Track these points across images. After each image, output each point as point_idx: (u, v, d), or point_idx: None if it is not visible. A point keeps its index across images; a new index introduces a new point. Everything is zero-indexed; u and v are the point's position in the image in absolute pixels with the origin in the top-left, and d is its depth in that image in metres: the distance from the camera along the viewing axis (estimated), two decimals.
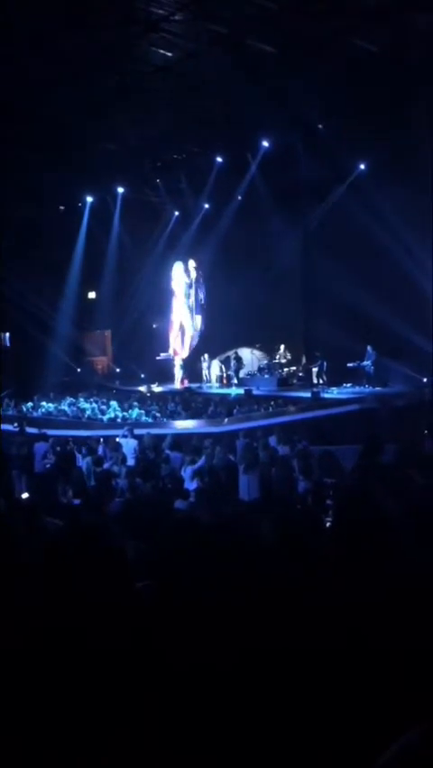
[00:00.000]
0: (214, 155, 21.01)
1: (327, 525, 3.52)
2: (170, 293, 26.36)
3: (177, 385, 23.15)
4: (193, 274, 25.64)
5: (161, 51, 15.08)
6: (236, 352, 22.35)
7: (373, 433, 11.02)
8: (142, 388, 22.43)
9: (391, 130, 16.61)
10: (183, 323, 26.04)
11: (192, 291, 25.81)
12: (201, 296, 25.64)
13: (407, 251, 16.81)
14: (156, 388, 22.44)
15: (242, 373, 21.92)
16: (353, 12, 13.03)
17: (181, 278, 25.99)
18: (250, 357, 22.66)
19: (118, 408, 18.37)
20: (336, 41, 14.02)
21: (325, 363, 19.91)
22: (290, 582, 1.93)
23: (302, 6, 12.83)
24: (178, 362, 23.92)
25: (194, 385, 22.68)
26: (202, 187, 22.33)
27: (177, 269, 25.96)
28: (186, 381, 23.25)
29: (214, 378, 23.01)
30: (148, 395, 20.93)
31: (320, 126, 18.16)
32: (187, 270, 25.77)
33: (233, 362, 22.11)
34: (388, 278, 17.29)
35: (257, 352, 22.54)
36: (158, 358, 26.25)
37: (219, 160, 21.03)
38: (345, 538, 2.06)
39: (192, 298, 25.85)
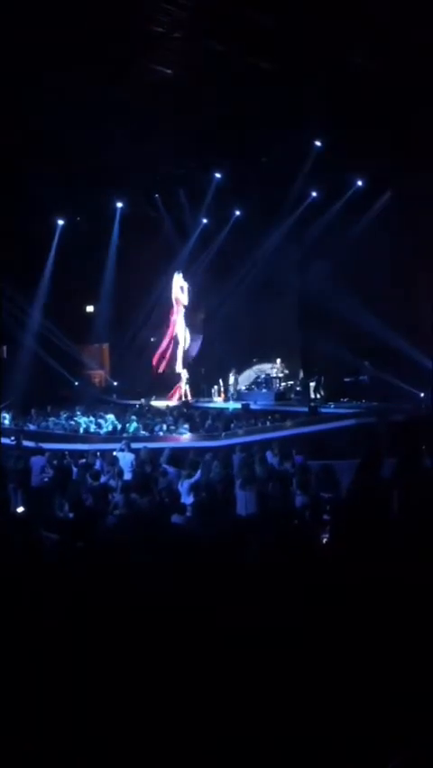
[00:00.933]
0: (212, 171, 21.14)
1: (324, 539, 3.52)
2: (168, 305, 26.36)
3: (180, 399, 22.86)
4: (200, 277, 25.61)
5: (161, 68, 15.21)
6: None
7: (371, 448, 11.01)
8: (156, 402, 22.25)
9: (389, 147, 16.73)
10: (180, 335, 25.96)
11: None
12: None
13: (403, 267, 16.90)
14: (158, 402, 22.23)
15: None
16: (350, 29, 13.15)
17: (183, 286, 25.94)
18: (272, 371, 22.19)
19: (116, 421, 18.33)
20: (334, 59, 14.14)
21: (322, 378, 19.93)
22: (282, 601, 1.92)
23: (300, 24, 12.95)
24: (184, 376, 23.46)
25: (191, 399, 22.66)
26: (201, 203, 22.44)
27: (177, 280, 25.94)
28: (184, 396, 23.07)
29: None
30: (164, 408, 20.72)
31: (318, 143, 18.31)
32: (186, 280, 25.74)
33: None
34: (385, 294, 17.38)
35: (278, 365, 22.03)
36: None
37: (218, 175, 21.17)
38: (343, 552, 2.05)
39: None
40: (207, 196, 21.92)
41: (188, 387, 23.13)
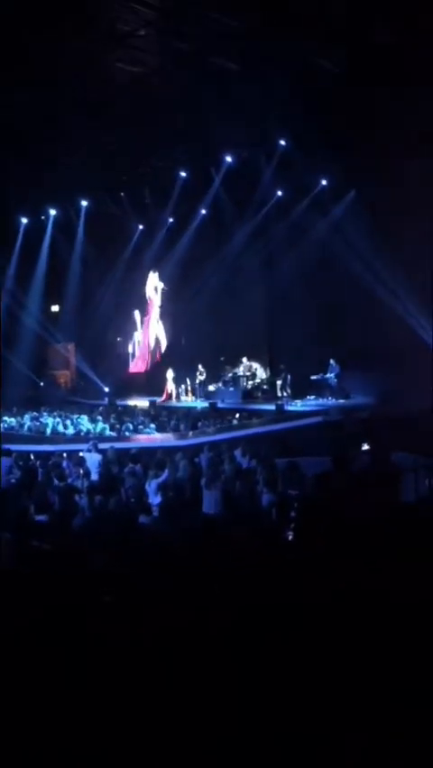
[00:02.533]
0: (178, 170, 21.13)
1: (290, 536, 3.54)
2: (135, 304, 26.29)
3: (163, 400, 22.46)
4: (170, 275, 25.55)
5: (126, 67, 15.13)
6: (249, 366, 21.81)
7: (340, 444, 11.13)
8: (136, 403, 21.93)
9: (352, 148, 16.90)
10: (158, 334, 25.92)
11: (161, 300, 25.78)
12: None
13: (368, 265, 17.07)
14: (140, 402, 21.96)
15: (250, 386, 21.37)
16: (315, 31, 13.24)
17: (156, 285, 25.88)
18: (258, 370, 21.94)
19: (86, 423, 18.20)
20: (299, 60, 14.22)
21: (289, 376, 20.04)
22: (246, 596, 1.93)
23: (265, 25, 13.00)
24: (170, 376, 22.98)
25: (158, 398, 22.59)
26: (166, 202, 22.41)
27: (151, 279, 25.87)
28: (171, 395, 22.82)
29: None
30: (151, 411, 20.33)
31: (282, 142, 18.41)
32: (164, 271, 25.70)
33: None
34: (350, 292, 17.54)
35: (255, 364, 21.77)
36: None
37: (183, 174, 21.16)
38: (306, 548, 2.07)
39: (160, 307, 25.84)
40: (172, 195, 21.90)
41: (174, 386, 22.79)
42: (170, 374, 22.79)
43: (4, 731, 1.59)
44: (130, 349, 26.55)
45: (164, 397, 22.52)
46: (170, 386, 22.76)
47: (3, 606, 1.77)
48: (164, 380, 23.41)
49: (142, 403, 21.93)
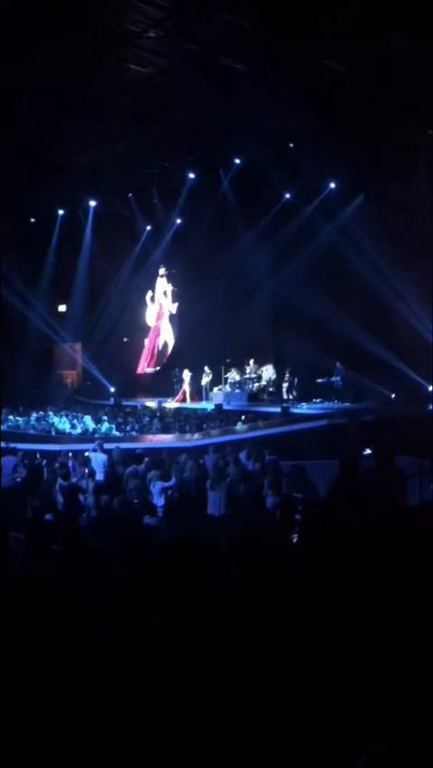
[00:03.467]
0: (186, 171, 21.15)
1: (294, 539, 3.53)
2: (145, 304, 26.37)
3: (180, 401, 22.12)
4: (177, 277, 25.59)
5: (134, 67, 15.17)
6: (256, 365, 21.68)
7: (350, 448, 11.10)
8: (151, 404, 21.59)
9: (363, 150, 16.90)
10: (166, 337, 25.96)
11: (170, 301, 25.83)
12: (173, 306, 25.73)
13: (375, 268, 17.05)
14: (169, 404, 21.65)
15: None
16: (324, 32, 13.25)
17: (166, 290, 25.94)
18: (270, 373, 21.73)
19: (92, 423, 18.24)
20: (307, 61, 14.23)
21: (295, 379, 20.03)
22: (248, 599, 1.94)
23: (274, 26, 13.01)
24: (187, 377, 22.52)
25: (165, 399, 22.61)
26: (174, 203, 22.43)
27: (160, 283, 25.95)
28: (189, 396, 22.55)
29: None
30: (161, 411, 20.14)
31: (291, 145, 18.41)
32: (171, 272, 25.73)
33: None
34: (356, 295, 17.54)
35: (268, 367, 21.56)
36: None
37: (191, 175, 21.19)
38: (311, 553, 2.08)
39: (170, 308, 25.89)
40: (180, 197, 21.93)
41: (189, 388, 22.40)
42: (186, 375, 22.44)
43: (9, 732, 1.60)
44: (145, 350, 26.50)
45: (179, 397, 22.25)
46: (187, 387, 22.40)
47: (16, 607, 1.79)
48: (168, 381, 23.50)
49: (154, 404, 21.74)
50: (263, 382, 21.29)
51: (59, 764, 1.56)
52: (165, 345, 25.95)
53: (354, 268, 17.16)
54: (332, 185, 19.31)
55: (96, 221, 24.13)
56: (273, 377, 21.29)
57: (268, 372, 21.46)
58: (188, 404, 21.61)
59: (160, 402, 21.90)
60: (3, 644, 1.73)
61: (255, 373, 21.40)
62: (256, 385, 21.17)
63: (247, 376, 21.34)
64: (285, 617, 1.80)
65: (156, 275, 25.88)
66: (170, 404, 21.72)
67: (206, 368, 22.22)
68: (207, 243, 22.28)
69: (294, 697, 1.61)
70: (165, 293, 25.89)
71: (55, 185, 21.30)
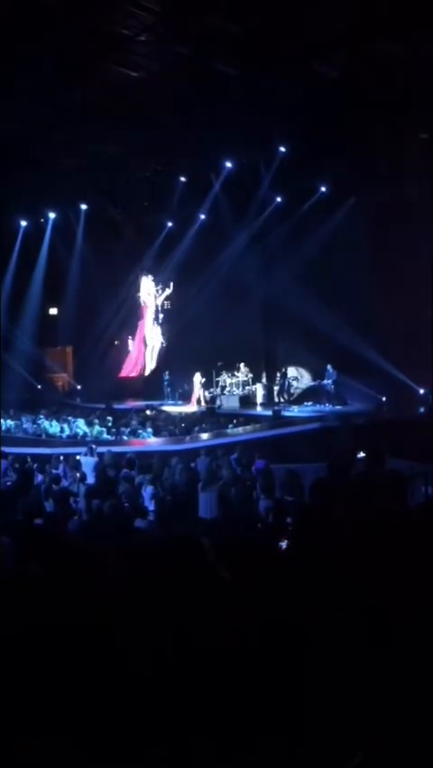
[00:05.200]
0: (177, 174, 21.16)
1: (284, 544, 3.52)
2: (133, 308, 26.32)
3: (194, 405, 21.68)
4: (168, 280, 25.56)
5: (125, 71, 15.16)
6: (296, 369, 21.35)
7: (338, 450, 11.12)
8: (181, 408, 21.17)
9: (353, 153, 16.95)
10: (154, 339, 25.92)
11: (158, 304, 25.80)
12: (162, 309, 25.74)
13: (366, 271, 17.11)
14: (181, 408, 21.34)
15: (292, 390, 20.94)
16: (314, 37, 13.29)
17: (150, 289, 25.91)
18: (296, 373, 21.34)
19: (84, 426, 18.17)
20: (298, 65, 14.26)
21: (286, 382, 20.04)
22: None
23: (265, 30, 13.04)
24: (198, 380, 22.02)
25: (155, 402, 22.58)
26: (165, 206, 22.44)
27: (144, 283, 25.92)
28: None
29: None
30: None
31: (282, 148, 18.45)
32: (155, 282, 25.68)
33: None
34: (347, 297, 17.57)
35: (302, 370, 21.27)
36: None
37: (182, 179, 21.20)
38: (301, 555, 2.07)
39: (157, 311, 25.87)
40: (171, 200, 21.93)
41: (203, 391, 21.98)
42: (197, 378, 22.01)
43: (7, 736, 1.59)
44: (132, 353, 26.45)
45: (192, 401, 21.84)
46: (198, 390, 21.98)
47: (3, 613, 1.77)
48: (159, 384, 23.47)
49: (171, 409, 21.32)
50: (254, 386, 21.22)
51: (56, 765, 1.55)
52: (153, 348, 25.91)
53: (345, 270, 17.21)
54: (323, 188, 19.37)
55: (87, 224, 24.09)
56: (263, 381, 21.29)
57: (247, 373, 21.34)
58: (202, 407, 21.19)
59: (148, 405, 21.83)
60: None
61: (246, 376, 21.40)
62: (247, 389, 21.16)
63: (238, 379, 21.33)
64: (279, 618, 1.79)
65: (147, 272, 25.88)
66: (185, 408, 21.36)
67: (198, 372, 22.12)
68: (197, 246, 22.30)
69: (291, 697, 1.60)
70: (149, 293, 25.89)
71: (46, 188, 21.26)
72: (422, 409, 16.03)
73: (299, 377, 20.92)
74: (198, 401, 21.58)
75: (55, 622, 1.79)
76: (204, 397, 21.70)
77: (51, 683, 1.68)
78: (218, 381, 21.71)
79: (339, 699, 1.62)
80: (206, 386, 21.88)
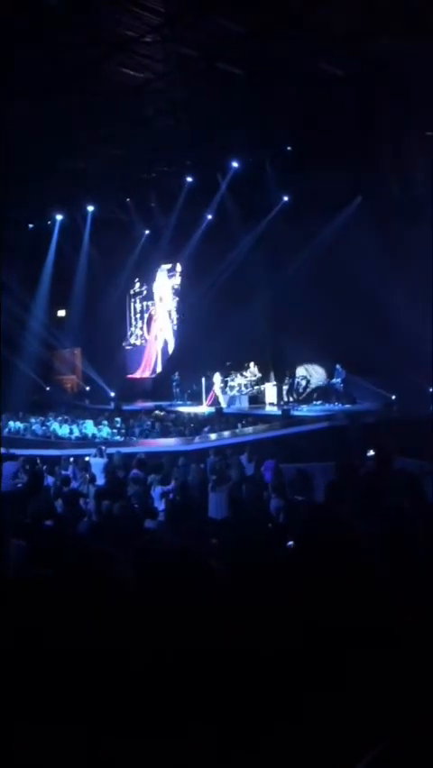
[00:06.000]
0: (184, 175, 21.18)
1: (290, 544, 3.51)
2: (146, 306, 26.40)
3: (205, 405, 21.29)
4: (177, 280, 25.49)
5: (131, 72, 15.19)
6: (305, 369, 21.06)
7: (346, 450, 11.10)
8: (196, 409, 20.82)
9: (359, 153, 16.92)
10: (166, 337, 25.93)
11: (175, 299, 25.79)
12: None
13: (374, 270, 17.05)
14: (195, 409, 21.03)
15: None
16: (320, 37, 13.27)
17: (167, 283, 25.93)
18: (314, 373, 21.00)
19: (92, 428, 18.23)
20: (304, 65, 14.25)
21: (295, 381, 20.01)
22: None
23: (271, 30, 13.03)
24: (217, 380, 21.60)
25: (165, 403, 22.60)
26: (172, 207, 22.46)
27: (161, 278, 25.94)
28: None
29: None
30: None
31: (288, 147, 18.43)
32: (171, 275, 25.68)
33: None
34: (355, 296, 17.52)
35: (311, 369, 20.97)
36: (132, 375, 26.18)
37: (189, 179, 21.21)
38: (308, 556, 2.07)
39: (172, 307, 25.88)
40: (178, 200, 21.95)
41: (220, 391, 21.57)
42: (217, 378, 21.66)
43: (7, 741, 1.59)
44: (146, 352, 26.43)
45: (210, 401, 21.48)
46: (217, 390, 21.59)
47: (17, 615, 1.78)
48: (168, 385, 23.45)
49: (194, 409, 20.97)
50: (263, 386, 21.17)
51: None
52: (165, 347, 25.95)
53: (353, 269, 17.16)
54: (330, 187, 19.32)
55: (94, 226, 24.15)
56: (273, 381, 21.24)
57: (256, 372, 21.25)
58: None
59: (157, 405, 21.83)
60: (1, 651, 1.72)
61: (255, 376, 21.36)
62: (256, 388, 21.12)
63: (248, 379, 21.30)
64: (284, 621, 1.79)
65: (155, 273, 25.90)
66: (201, 408, 21.11)
67: (210, 373, 22.01)
68: (205, 247, 22.31)
69: (294, 702, 1.60)
70: (165, 285, 25.90)
71: (53, 190, 21.33)
72: (432, 407, 15.97)
73: (307, 376, 20.85)
74: (217, 402, 21.15)
75: (62, 624, 1.79)
76: (222, 398, 21.34)
77: (56, 684, 1.69)
78: (227, 381, 21.68)
79: (342, 700, 1.62)
80: (230, 387, 21.52)
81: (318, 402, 19.28)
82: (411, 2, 11.98)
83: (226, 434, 16.02)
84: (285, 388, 20.18)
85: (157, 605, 1.95)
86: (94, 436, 17.30)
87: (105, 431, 17.70)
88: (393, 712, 1.57)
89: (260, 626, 1.79)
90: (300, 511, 7.27)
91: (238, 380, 21.36)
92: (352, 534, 2.11)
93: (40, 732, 1.59)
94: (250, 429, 16.42)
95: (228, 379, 21.54)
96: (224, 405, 20.70)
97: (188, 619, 1.83)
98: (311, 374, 20.91)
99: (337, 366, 18.65)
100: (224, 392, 21.41)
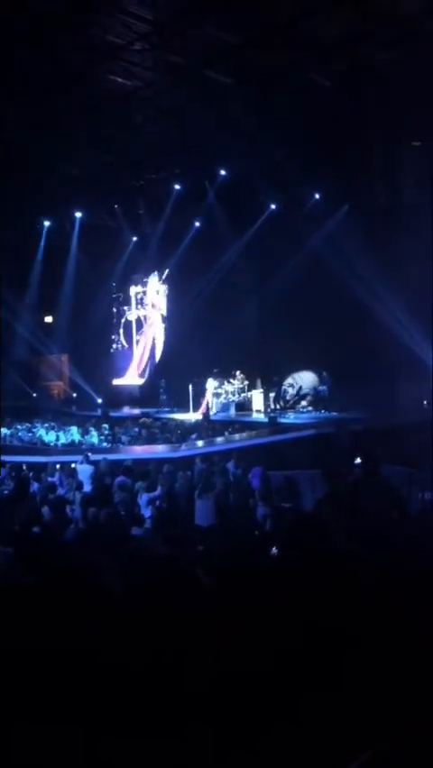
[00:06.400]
0: (172, 182, 21.23)
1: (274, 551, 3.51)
2: (134, 312, 26.42)
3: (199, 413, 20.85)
4: (164, 287, 25.58)
5: (120, 80, 15.22)
6: (292, 377, 20.93)
7: (332, 457, 11.12)
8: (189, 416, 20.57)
9: (346, 161, 17.04)
10: (156, 339, 25.94)
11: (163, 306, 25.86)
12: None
13: (361, 278, 17.15)
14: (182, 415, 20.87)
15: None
16: (308, 46, 13.36)
17: (154, 290, 25.99)
18: (303, 380, 20.87)
19: (78, 434, 18.17)
20: (292, 74, 14.33)
21: (282, 388, 20.06)
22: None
23: (259, 39, 13.11)
24: (211, 387, 21.28)
25: (152, 410, 22.56)
26: (160, 214, 22.50)
27: (153, 283, 25.97)
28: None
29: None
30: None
31: (276, 156, 18.52)
32: (159, 282, 25.74)
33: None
34: (343, 303, 17.61)
35: (298, 376, 20.79)
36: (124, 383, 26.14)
37: (177, 187, 21.26)
38: (292, 564, 2.08)
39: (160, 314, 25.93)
40: (166, 208, 21.99)
41: (212, 398, 21.22)
42: (210, 385, 21.40)
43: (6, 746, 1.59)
44: (137, 357, 26.42)
45: (203, 408, 21.05)
46: (210, 397, 21.26)
47: (4, 624, 1.78)
48: (155, 392, 23.43)
49: (188, 416, 20.75)
50: (249, 393, 21.17)
51: None
52: (153, 353, 25.98)
53: (340, 276, 17.26)
54: (317, 195, 19.45)
55: (82, 232, 24.14)
56: (260, 388, 21.25)
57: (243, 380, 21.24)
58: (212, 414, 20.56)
59: (144, 413, 21.79)
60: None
61: (242, 383, 21.37)
62: (243, 395, 21.11)
63: (235, 386, 21.31)
64: (270, 627, 1.79)
65: (142, 280, 25.95)
66: (189, 415, 20.97)
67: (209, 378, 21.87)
68: (192, 254, 22.36)
69: (288, 707, 1.61)
70: (157, 292, 25.91)
71: (41, 196, 21.30)
72: (419, 415, 16.04)
73: (294, 383, 20.89)
74: (208, 409, 20.80)
75: (52, 630, 1.79)
76: (214, 404, 21.09)
77: (53, 686, 1.69)
78: (221, 387, 21.62)
79: (338, 704, 1.63)
80: (217, 394, 21.27)
81: (306, 409, 19.31)
82: (400, 10, 12.09)
83: (215, 440, 16.03)
84: (272, 395, 20.21)
85: (144, 611, 1.96)
86: (81, 443, 17.24)
87: (92, 438, 17.65)
88: (383, 715, 1.59)
89: (246, 631, 1.80)
90: (287, 518, 7.28)
91: (225, 387, 21.33)
92: (337, 542, 2.12)
93: (38, 733, 1.59)
94: (237, 436, 16.43)
95: (219, 386, 21.45)
96: (214, 412, 20.63)
97: (175, 624, 1.84)
98: (299, 381, 20.93)
99: (324, 373, 18.72)
100: (216, 398, 21.29)
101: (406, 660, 1.74)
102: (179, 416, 20.94)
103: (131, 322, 26.86)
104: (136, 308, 26.71)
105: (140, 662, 1.69)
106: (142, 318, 26.47)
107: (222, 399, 21.13)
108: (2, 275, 22.95)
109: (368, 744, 1.30)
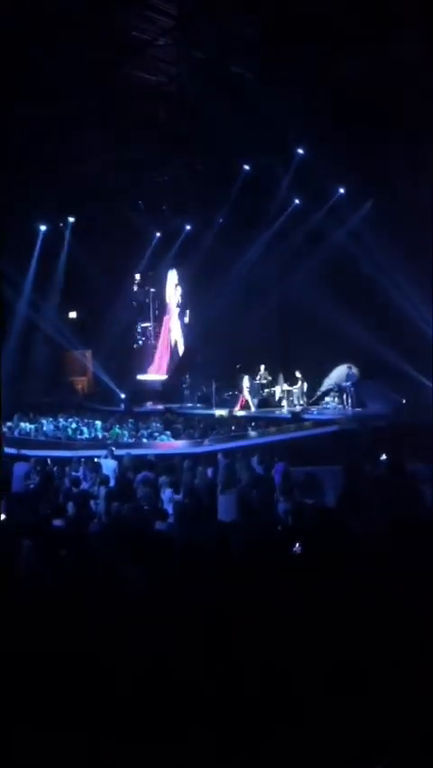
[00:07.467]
0: (195, 177, 21.21)
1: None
2: (158, 306, 26.49)
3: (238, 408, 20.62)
4: (188, 282, 25.60)
5: (144, 75, 15.25)
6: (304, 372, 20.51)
7: (355, 453, 11.09)
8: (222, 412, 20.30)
9: (370, 156, 16.89)
10: (176, 338, 25.99)
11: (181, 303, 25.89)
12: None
13: (384, 272, 17.03)
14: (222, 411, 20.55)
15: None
16: (333, 38, 13.27)
17: (177, 285, 26.05)
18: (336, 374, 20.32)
19: (102, 429, 18.26)
20: (317, 67, 14.25)
21: (305, 384, 19.98)
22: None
23: (283, 33, 13.05)
24: (246, 384, 20.87)
25: (175, 405, 22.60)
26: (184, 208, 22.48)
27: (171, 278, 26.04)
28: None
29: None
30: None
31: (300, 150, 18.44)
32: (182, 278, 25.77)
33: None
34: (366, 299, 17.51)
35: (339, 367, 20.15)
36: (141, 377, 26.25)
37: (200, 182, 21.23)
38: (314, 559, 2.07)
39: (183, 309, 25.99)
40: (189, 203, 21.98)
41: (249, 396, 20.86)
42: (246, 382, 20.99)
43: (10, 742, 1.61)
44: (157, 353, 26.50)
45: (240, 405, 20.84)
46: (246, 394, 20.91)
47: (24, 614, 1.79)
48: (178, 387, 23.44)
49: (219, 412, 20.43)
50: (273, 389, 21.08)
51: None
52: (176, 347, 26.04)
53: (364, 272, 17.15)
54: (341, 190, 19.32)
55: (106, 228, 24.20)
56: (283, 383, 21.16)
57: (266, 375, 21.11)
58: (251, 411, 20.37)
59: (167, 408, 21.80)
60: (9, 652, 1.74)
61: (265, 379, 21.27)
62: (266, 391, 21.01)
63: (258, 382, 21.23)
64: (291, 623, 1.80)
65: (166, 276, 26.03)
66: (235, 411, 20.46)
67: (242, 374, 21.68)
68: (216, 250, 22.33)
69: (300, 707, 1.61)
70: (175, 287, 25.99)
71: (65, 191, 21.39)
72: None
73: (329, 381, 20.81)
74: (247, 405, 20.55)
75: (54, 632, 1.81)
76: (252, 401, 20.73)
77: (58, 688, 1.70)
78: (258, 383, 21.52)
79: (344, 705, 1.63)
80: (251, 390, 20.90)
81: (329, 405, 19.22)
82: (427, 4, 11.96)
83: (237, 436, 16.03)
84: (295, 391, 20.13)
85: (165, 606, 1.97)
86: (104, 438, 17.33)
87: (115, 432, 17.72)
88: (398, 718, 1.58)
89: (263, 628, 1.81)
90: (308, 514, 7.26)
91: (247, 383, 21.28)
92: (358, 539, 2.11)
93: (41, 735, 1.60)
94: (260, 432, 16.41)
95: (255, 381, 21.14)
96: (253, 408, 20.38)
97: (194, 622, 1.85)
98: (328, 375, 20.78)
99: (352, 369, 18.64)
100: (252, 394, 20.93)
101: (427, 658, 1.73)
102: (204, 412, 20.91)
103: (154, 317, 26.93)
104: (159, 304, 26.78)
105: (143, 664, 1.70)
106: (165, 314, 26.54)
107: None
108: (27, 270, 23.13)
109: (372, 748, 1.29)
